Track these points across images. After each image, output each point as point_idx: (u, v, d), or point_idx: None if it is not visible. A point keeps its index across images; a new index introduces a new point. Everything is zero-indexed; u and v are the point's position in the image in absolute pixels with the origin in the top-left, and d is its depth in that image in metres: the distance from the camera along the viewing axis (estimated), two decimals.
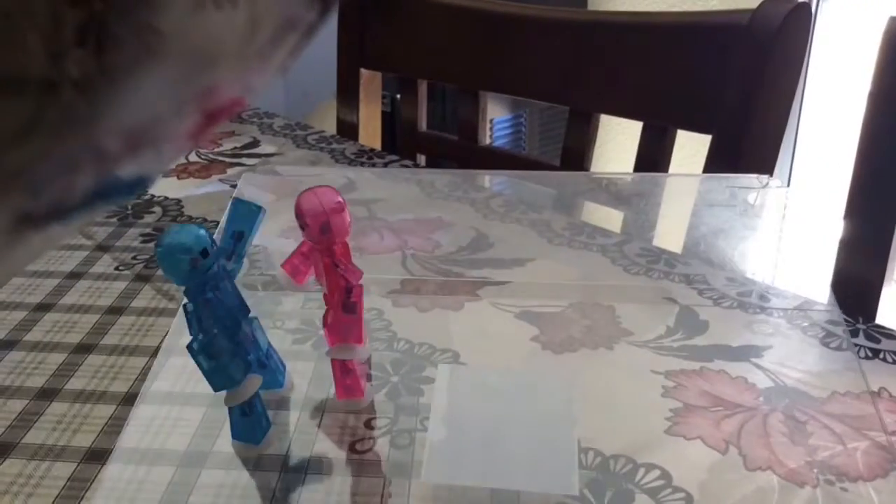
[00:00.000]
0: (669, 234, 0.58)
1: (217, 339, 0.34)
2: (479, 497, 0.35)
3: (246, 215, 0.36)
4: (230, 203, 0.37)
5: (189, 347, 0.34)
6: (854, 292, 0.61)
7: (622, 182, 0.65)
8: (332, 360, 0.39)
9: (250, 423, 0.37)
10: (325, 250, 0.37)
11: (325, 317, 0.38)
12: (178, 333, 0.47)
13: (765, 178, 0.57)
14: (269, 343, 0.40)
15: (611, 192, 0.60)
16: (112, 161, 0.13)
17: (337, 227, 0.36)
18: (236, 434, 0.37)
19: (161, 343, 0.46)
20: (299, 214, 0.36)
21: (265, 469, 0.36)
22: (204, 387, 0.35)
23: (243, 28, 0.13)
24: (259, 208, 0.36)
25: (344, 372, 0.39)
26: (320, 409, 0.40)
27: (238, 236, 0.36)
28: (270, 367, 0.40)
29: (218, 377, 0.35)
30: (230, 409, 0.37)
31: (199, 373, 0.34)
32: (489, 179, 0.74)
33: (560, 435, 0.38)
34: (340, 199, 0.36)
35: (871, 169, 0.61)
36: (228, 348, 0.35)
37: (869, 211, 0.62)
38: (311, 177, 0.70)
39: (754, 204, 0.53)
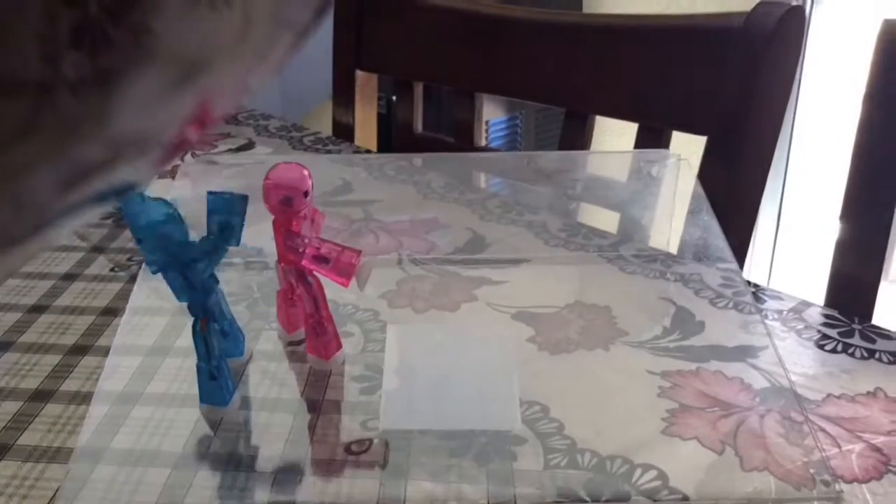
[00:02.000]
0: (662, 233, 0.58)
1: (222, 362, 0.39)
2: (476, 496, 0.35)
3: (230, 205, 0.37)
4: (207, 196, 0.38)
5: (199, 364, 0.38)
6: (850, 292, 0.61)
7: (545, 159, 0.67)
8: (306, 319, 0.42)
9: (218, 387, 0.39)
10: (285, 225, 0.40)
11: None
12: (171, 334, 0.47)
13: (665, 152, 0.60)
14: (231, 313, 0.42)
15: (534, 168, 0.63)
16: (105, 163, 0.13)
17: (297, 202, 0.39)
18: (204, 398, 0.40)
19: (156, 342, 0.46)
20: (265, 191, 0.39)
21: (263, 469, 0.36)
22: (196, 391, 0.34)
23: (238, 28, 0.13)
24: (244, 197, 0.37)
25: (318, 333, 0.42)
26: (316, 411, 0.40)
27: (223, 227, 0.37)
28: (232, 336, 0.43)
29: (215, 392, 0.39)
30: (199, 375, 0.39)
31: (192, 375, 0.34)
32: (485, 180, 0.74)
33: (502, 379, 0.42)
34: (305, 173, 0.39)
35: (866, 170, 0.62)
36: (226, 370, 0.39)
37: (865, 211, 0.62)
38: (251, 164, 0.71)
39: (656, 176, 0.58)
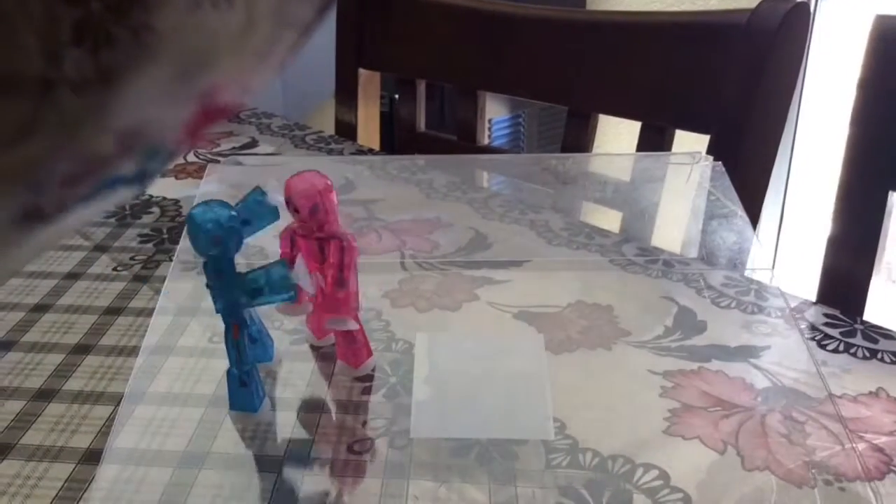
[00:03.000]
0: (664, 231, 0.58)
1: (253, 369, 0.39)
2: (478, 496, 0.35)
3: (260, 211, 0.38)
4: (252, 192, 0.38)
5: (229, 371, 0.39)
6: (843, 289, 0.61)
7: (566, 163, 0.67)
8: (336, 333, 0.42)
9: (248, 393, 0.39)
10: (311, 234, 0.39)
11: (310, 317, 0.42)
12: (172, 333, 0.47)
13: (698, 154, 0.59)
14: (259, 318, 0.42)
15: (555, 173, 0.63)
16: (109, 161, 0.13)
17: (328, 208, 0.39)
18: (234, 404, 0.40)
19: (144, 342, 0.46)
20: (289, 198, 0.38)
21: (264, 470, 0.36)
22: (202, 387, 0.34)
23: (240, 27, 0.13)
24: (275, 210, 0.38)
25: (348, 341, 0.42)
26: (318, 410, 0.40)
27: (245, 223, 0.37)
28: (261, 341, 0.43)
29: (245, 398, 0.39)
30: (229, 381, 0.39)
31: (195, 374, 0.34)
32: (488, 179, 0.74)
33: (534, 389, 0.41)
34: (329, 182, 0.39)
35: (858, 167, 0.62)
36: (257, 376, 0.40)
37: (857, 208, 0.62)
38: (274, 167, 0.71)
39: (688, 179, 0.56)
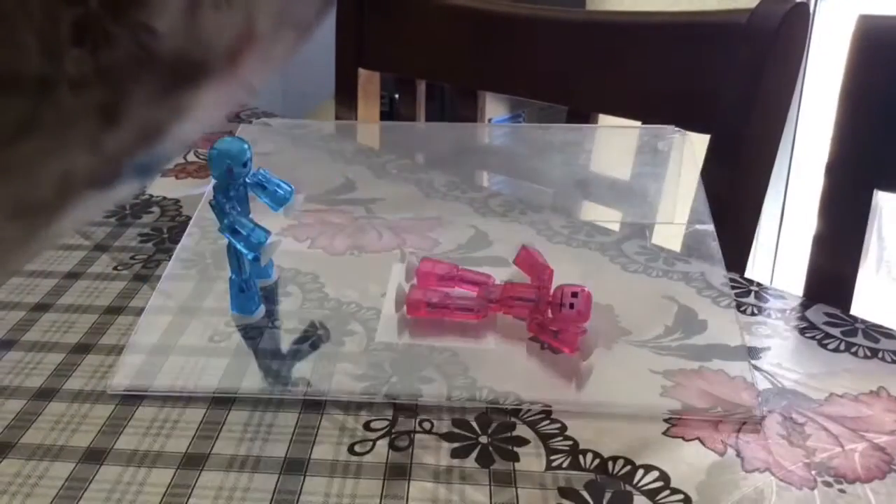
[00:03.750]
0: (665, 231, 0.58)
1: (237, 217, 0.45)
2: (478, 496, 0.35)
3: (278, 193, 0.47)
4: (286, 183, 0.47)
5: (221, 229, 0.45)
6: (830, 286, 0.62)
7: (553, 131, 0.69)
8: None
9: (246, 298, 0.46)
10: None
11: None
12: (174, 332, 0.47)
13: (669, 127, 0.61)
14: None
15: (543, 142, 0.65)
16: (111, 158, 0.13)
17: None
18: (235, 307, 0.46)
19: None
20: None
21: (265, 471, 0.36)
22: (202, 387, 0.34)
23: (240, 27, 0.13)
24: (286, 199, 0.47)
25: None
26: (320, 410, 0.40)
27: (261, 186, 0.47)
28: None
29: (252, 241, 0.45)
30: (231, 287, 0.46)
31: (196, 375, 0.34)
32: (488, 178, 0.74)
33: None
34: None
35: (843, 166, 0.62)
36: (249, 224, 0.45)
37: (843, 206, 0.62)
38: (301, 129, 0.74)
39: (662, 150, 0.60)
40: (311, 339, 0.46)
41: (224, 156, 0.45)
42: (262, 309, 0.47)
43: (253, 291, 0.46)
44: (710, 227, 0.53)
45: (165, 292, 0.50)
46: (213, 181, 0.45)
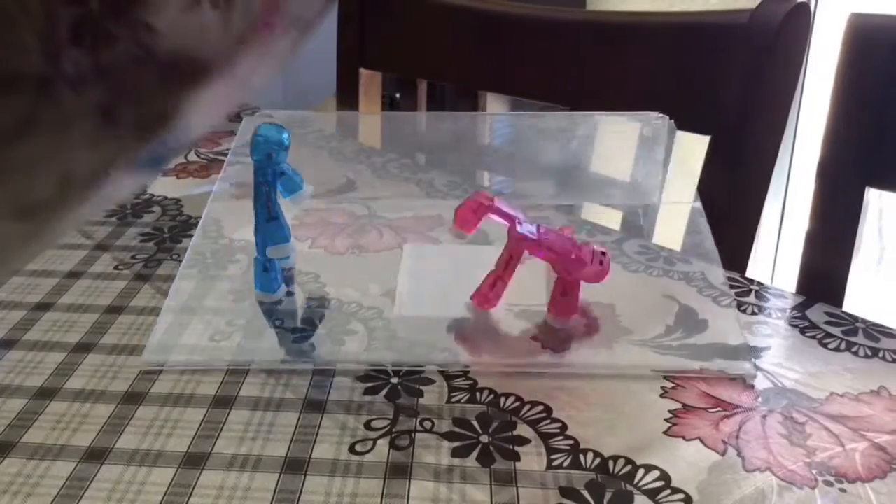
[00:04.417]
0: (666, 232, 0.58)
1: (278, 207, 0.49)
2: (479, 496, 0.35)
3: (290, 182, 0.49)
4: (302, 179, 0.49)
5: (258, 210, 0.49)
6: (822, 283, 0.62)
7: (547, 119, 0.70)
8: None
9: (269, 278, 0.49)
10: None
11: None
12: (174, 332, 0.47)
13: (652, 113, 0.63)
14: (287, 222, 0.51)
15: (537, 130, 0.67)
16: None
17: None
18: (258, 286, 0.49)
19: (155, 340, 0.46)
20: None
21: (266, 470, 0.36)
22: (204, 387, 0.34)
23: (240, 27, 0.13)
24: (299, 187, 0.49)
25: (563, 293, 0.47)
26: (320, 410, 0.40)
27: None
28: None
29: (278, 233, 0.49)
30: (255, 266, 0.49)
31: (197, 375, 0.34)
32: (489, 178, 0.74)
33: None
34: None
35: (836, 163, 0.62)
36: (281, 216, 0.49)
37: (835, 203, 0.62)
38: (302, 128, 0.76)
39: (647, 135, 0.63)
40: (321, 315, 0.49)
41: (266, 141, 0.47)
42: (283, 288, 0.50)
43: (276, 271, 0.49)
44: (698, 205, 0.55)
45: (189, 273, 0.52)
46: (252, 163, 0.49)
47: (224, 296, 0.50)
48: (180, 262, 0.55)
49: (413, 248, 0.55)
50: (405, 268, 0.53)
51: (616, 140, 0.66)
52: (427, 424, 0.39)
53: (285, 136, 0.48)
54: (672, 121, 0.61)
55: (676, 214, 0.60)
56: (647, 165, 0.61)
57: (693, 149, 0.65)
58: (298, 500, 0.35)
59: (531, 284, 0.49)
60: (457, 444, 0.38)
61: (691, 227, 0.55)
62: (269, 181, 0.48)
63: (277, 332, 0.47)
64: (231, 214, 0.59)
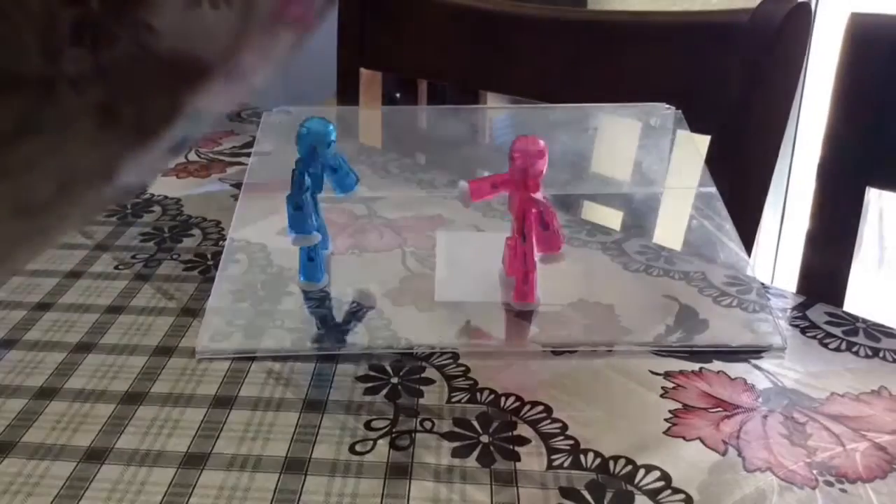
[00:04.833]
0: (666, 232, 0.58)
1: (306, 197, 0.49)
2: (479, 496, 0.35)
3: (344, 179, 0.50)
4: (354, 170, 0.50)
5: (288, 198, 0.48)
6: (822, 282, 0.62)
7: (550, 112, 0.69)
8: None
9: (314, 267, 0.51)
10: (521, 184, 0.47)
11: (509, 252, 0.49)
12: (176, 334, 0.47)
13: (661, 105, 0.64)
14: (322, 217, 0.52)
15: (542, 122, 0.67)
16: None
17: (537, 168, 0.47)
18: (304, 275, 0.51)
19: (160, 342, 0.46)
20: (513, 150, 0.47)
21: (266, 470, 0.36)
22: (204, 387, 0.34)
23: (239, 27, 0.13)
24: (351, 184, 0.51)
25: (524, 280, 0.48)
26: (320, 410, 0.40)
27: (333, 169, 0.50)
28: (323, 234, 0.52)
29: (300, 222, 0.49)
30: (300, 257, 0.50)
31: (197, 375, 0.34)
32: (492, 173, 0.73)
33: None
34: (542, 147, 0.47)
35: (836, 162, 0.62)
36: (310, 206, 0.49)
37: (835, 203, 0.62)
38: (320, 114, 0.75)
39: (655, 125, 0.63)
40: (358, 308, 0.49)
41: (311, 135, 0.48)
42: (326, 279, 0.51)
43: (320, 261, 0.51)
44: (714, 190, 0.55)
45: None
46: (297, 156, 0.49)
47: (271, 284, 0.51)
48: (180, 261, 0.55)
49: (446, 235, 0.57)
50: (441, 255, 0.54)
51: (623, 131, 0.67)
52: (427, 424, 0.39)
53: (331, 129, 0.48)
54: (679, 110, 0.62)
55: (684, 203, 0.60)
56: (654, 155, 0.62)
57: (693, 149, 0.65)
58: (298, 500, 0.35)
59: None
60: (457, 444, 0.38)
61: (705, 213, 0.55)
62: (310, 173, 0.49)
63: (325, 321, 0.48)
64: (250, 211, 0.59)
